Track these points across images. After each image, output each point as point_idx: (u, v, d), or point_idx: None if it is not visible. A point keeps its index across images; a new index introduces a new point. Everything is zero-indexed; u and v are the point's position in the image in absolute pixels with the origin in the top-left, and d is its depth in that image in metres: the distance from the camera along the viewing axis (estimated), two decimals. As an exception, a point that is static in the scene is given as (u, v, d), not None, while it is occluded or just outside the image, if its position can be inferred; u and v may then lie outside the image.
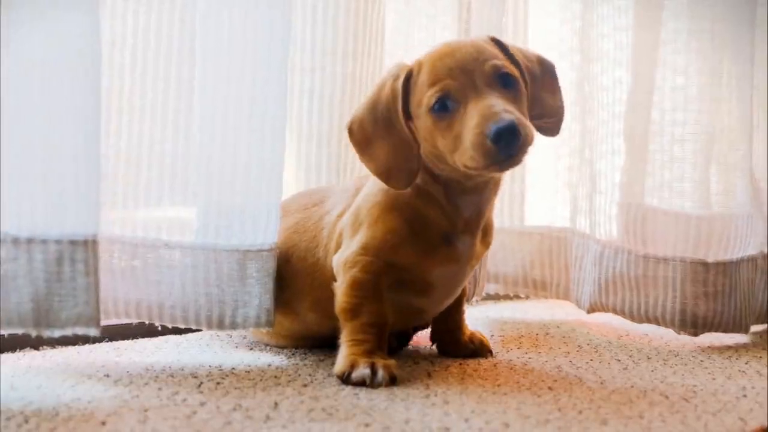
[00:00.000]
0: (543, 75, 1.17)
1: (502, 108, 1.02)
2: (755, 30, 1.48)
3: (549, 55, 1.61)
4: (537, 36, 1.65)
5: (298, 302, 1.21)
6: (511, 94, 1.07)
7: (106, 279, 1.16)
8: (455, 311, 1.26)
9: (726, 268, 1.43)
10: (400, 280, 1.14)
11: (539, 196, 1.69)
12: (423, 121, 1.08)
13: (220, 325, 1.18)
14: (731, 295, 1.43)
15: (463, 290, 1.26)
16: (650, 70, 1.48)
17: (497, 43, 1.13)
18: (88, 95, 1.03)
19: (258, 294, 1.18)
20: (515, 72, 1.09)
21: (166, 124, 1.19)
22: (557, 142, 1.63)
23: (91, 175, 1.03)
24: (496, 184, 1.16)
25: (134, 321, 1.19)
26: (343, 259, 1.13)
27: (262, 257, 1.18)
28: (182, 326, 1.19)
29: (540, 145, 1.64)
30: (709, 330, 1.43)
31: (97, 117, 1.04)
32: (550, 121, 1.17)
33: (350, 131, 1.13)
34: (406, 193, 1.13)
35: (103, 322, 1.27)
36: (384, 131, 1.11)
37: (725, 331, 1.44)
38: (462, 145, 1.04)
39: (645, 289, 1.45)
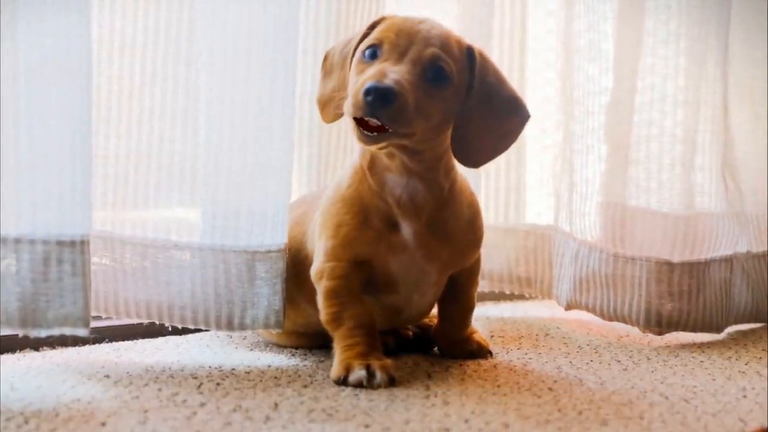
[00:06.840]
0: (505, 114, 1.14)
1: (394, 75, 1.03)
2: (729, 34, 1.49)
3: (546, 56, 1.63)
4: (537, 36, 1.64)
5: (298, 293, 1.21)
6: (434, 89, 1.07)
7: (118, 279, 1.17)
8: (459, 319, 1.25)
9: (692, 268, 1.43)
10: (368, 279, 1.15)
11: (527, 194, 1.68)
12: (354, 61, 1.11)
13: (230, 326, 1.18)
14: (699, 295, 1.43)
15: (469, 300, 1.25)
16: (632, 71, 1.48)
17: (469, 52, 1.12)
18: (78, 96, 1.02)
19: (266, 295, 1.18)
20: (452, 74, 1.08)
21: (175, 123, 1.19)
22: (548, 142, 1.63)
23: (80, 176, 1.02)
24: (424, 174, 1.12)
25: (145, 321, 1.19)
26: (314, 271, 1.15)
27: (271, 258, 1.18)
28: (192, 327, 1.20)
29: (534, 145, 1.66)
30: (675, 329, 1.43)
31: (88, 118, 1.04)
32: (471, 153, 1.12)
33: (325, 58, 1.19)
34: (348, 182, 1.14)
35: (105, 323, 1.29)
36: (341, 66, 1.15)
37: (693, 330, 1.44)
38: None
39: (614, 287, 1.45)
